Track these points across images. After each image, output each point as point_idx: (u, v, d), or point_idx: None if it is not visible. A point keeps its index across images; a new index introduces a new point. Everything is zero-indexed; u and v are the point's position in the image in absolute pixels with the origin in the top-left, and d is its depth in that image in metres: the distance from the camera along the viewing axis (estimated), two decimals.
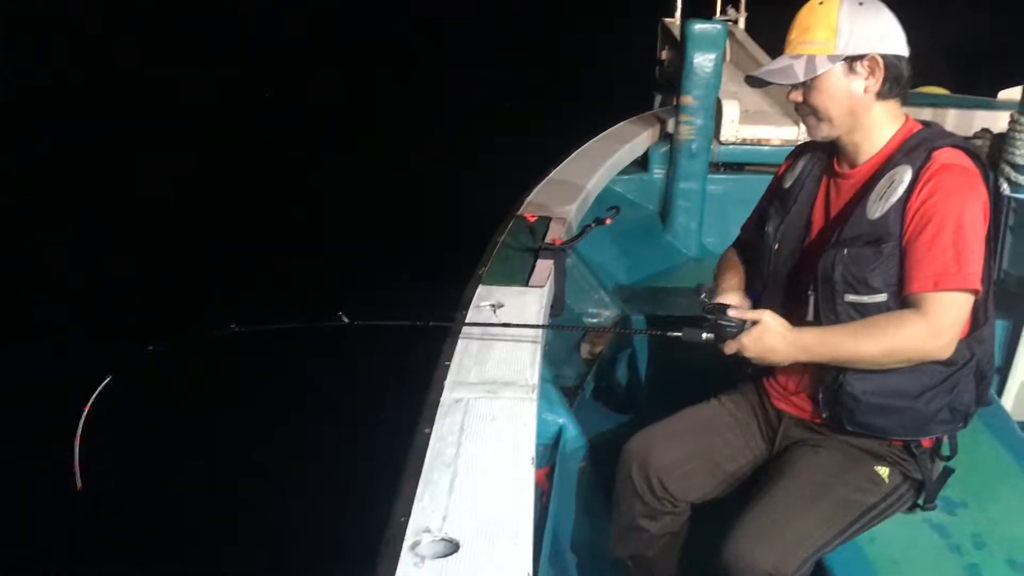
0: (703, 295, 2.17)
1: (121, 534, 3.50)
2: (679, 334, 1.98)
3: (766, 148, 4.36)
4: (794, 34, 1.92)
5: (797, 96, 1.94)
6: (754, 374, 2.19)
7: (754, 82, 2.01)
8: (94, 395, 1.94)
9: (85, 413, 1.92)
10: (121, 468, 3.37)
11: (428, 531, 1.40)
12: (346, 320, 2.03)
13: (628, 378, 3.17)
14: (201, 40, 14.12)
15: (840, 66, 1.88)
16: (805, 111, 1.97)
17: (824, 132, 1.96)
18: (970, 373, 1.94)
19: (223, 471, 3.90)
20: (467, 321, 2.18)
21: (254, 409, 4.35)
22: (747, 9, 5.99)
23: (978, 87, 5.22)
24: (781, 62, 1.93)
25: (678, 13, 5.61)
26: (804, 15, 1.92)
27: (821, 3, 1.89)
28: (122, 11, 16.40)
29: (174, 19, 16.05)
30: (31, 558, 3.46)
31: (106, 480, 2.03)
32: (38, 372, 4.57)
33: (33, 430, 3.89)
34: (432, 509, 1.45)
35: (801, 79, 1.89)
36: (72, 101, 10.95)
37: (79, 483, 1.91)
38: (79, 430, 1.92)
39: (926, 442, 2.01)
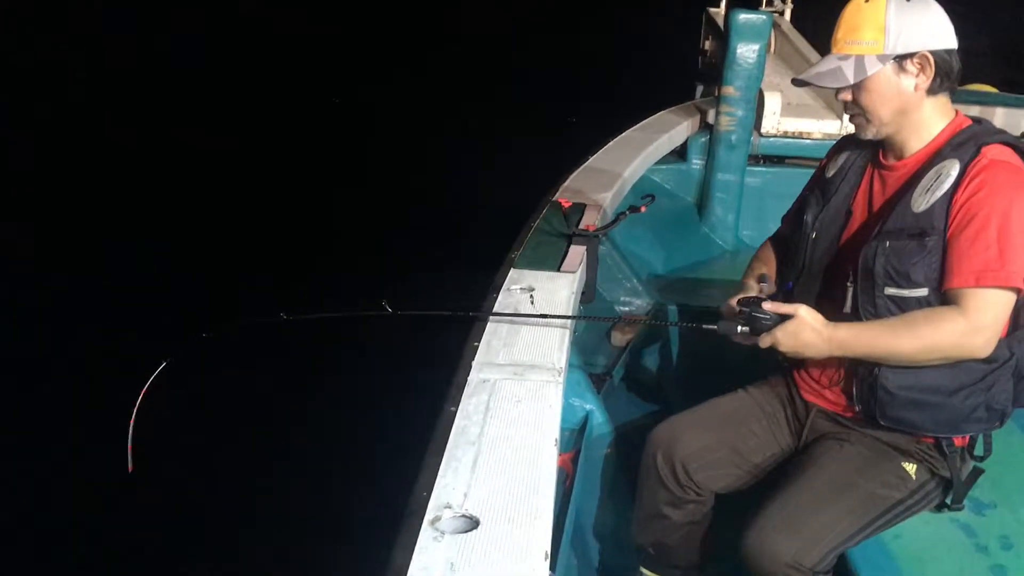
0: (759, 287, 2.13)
1: (165, 508, 3.60)
2: (714, 327, 1.98)
3: (807, 141, 4.31)
4: (840, 34, 1.90)
5: (847, 96, 1.92)
6: (785, 366, 2.18)
7: (801, 84, 1.99)
8: (151, 379, 2.00)
9: (141, 397, 1.98)
10: (169, 448, 3.47)
11: (449, 507, 1.41)
12: (389, 309, 2.08)
13: (657, 367, 3.17)
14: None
15: (890, 66, 1.86)
16: (854, 111, 1.94)
17: (874, 132, 1.94)
18: (1008, 372, 1.91)
19: (253, 449, 3.98)
20: (498, 306, 2.20)
21: (292, 391, 4.43)
22: (793, 1, 5.91)
23: None
24: (829, 63, 1.90)
25: (723, 2, 5.55)
26: (850, 14, 1.89)
27: (868, 1, 1.86)
28: None
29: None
30: (82, 538, 3.55)
31: (156, 461, 2.08)
32: (97, 356, 4.69)
33: (89, 413, 4.01)
34: (454, 486, 1.47)
35: (851, 82, 1.87)
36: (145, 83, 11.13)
37: (131, 465, 1.97)
38: (134, 413, 1.97)
39: (958, 441, 1.99)
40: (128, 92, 10.91)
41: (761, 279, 2.16)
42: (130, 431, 1.96)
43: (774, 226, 2.40)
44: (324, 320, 2.15)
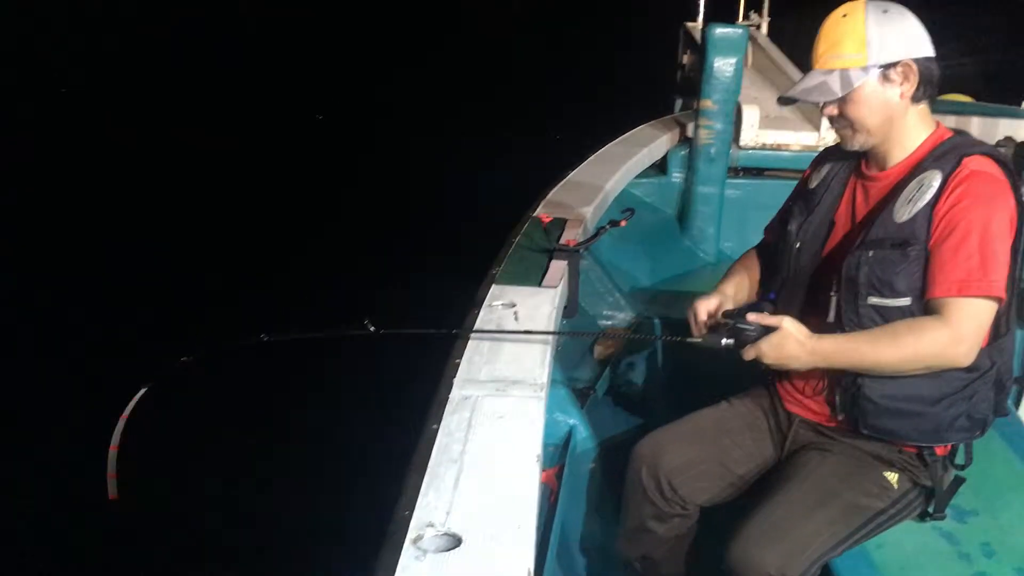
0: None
1: (146, 527, 3.57)
2: (698, 339, 1.98)
3: (786, 153, 4.34)
4: (822, 49, 1.92)
5: (832, 110, 1.94)
6: (768, 377, 2.19)
7: (787, 101, 2.00)
8: (130, 405, 1.97)
9: (122, 422, 1.96)
10: (150, 467, 3.45)
11: (431, 525, 1.40)
12: (372, 329, 2.06)
13: (641, 380, 3.17)
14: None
15: (875, 76, 1.88)
16: (841, 124, 1.96)
17: (861, 142, 1.96)
18: (989, 382, 1.93)
19: (236, 470, 3.97)
20: (480, 323, 2.19)
21: (271, 412, 4.43)
22: (770, 15, 5.96)
23: (1002, 95, 5.19)
24: (814, 79, 1.92)
25: (700, 17, 5.59)
26: (829, 29, 1.91)
27: (845, 15, 1.89)
28: None
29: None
30: (62, 563, 3.53)
31: (137, 483, 2.06)
32: (74, 382, 4.66)
33: (68, 440, 3.99)
34: (436, 504, 1.46)
35: (839, 94, 1.88)
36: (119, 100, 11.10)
37: (113, 492, 1.95)
38: (115, 440, 1.95)
39: (940, 450, 2.00)
40: (127, 92, 10.90)
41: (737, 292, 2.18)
42: (110, 460, 1.94)
43: (755, 237, 2.41)
44: (306, 341, 2.14)
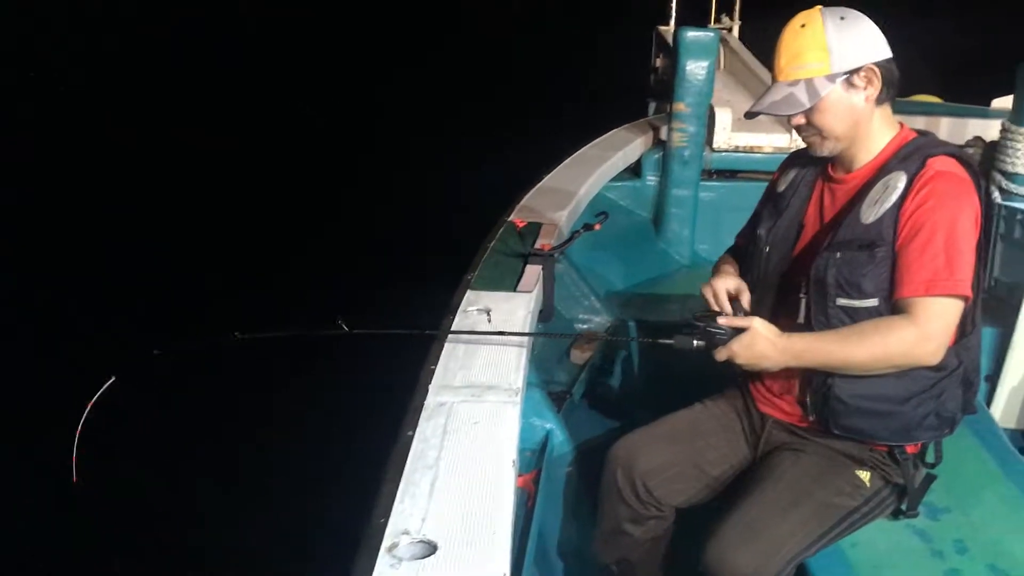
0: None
1: (112, 530, 3.57)
2: (671, 341, 1.99)
3: (758, 155, 4.37)
4: (784, 61, 1.93)
5: (800, 120, 1.95)
6: (741, 378, 2.20)
7: (753, 115, 2.01)
8: (97, 394, 1.98)
9: (87, 411, 1.97)
10: (118, 464, 3.43)
11: (407, 533, 1.40)
12: (345, 328, 2.06)
13: (617, 384, 3.18)
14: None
15: (840, 83, 1.89)
16: (810, 132, 1.97)
17: (830, 148, 1.98)
18: (957, 380, 1.95)
19: (211, 472, 3.94)
20: (455, 328, 2.19)
21: (245, 412, 4.39)
22: (741, 18, 6.00)
23: (971, 95, 5.24)
24: (779, 92, 1.93)
25: (672, 21, 5.62)
26: (789, 40, 1.92)
27: (804, 25, 1.90)
28: None
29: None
30: (24, 552, 3.50)
31: (102, 476, 2.06)
32: (47, 371, 4.63)
33: (36, 428, 3.94)
34: (412, 511, 1.46)
35: (807, 105, 1.90)
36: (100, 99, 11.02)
37: (75, 476, 1.96)
38: (80, 426, 1.96)
39: (911, 448, 2.02)
40: (127, 92, 10.79)
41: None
42: (75, 445, 1.95)
43: (729, 240, 2.43)
44: (278, 339, 2.13)
